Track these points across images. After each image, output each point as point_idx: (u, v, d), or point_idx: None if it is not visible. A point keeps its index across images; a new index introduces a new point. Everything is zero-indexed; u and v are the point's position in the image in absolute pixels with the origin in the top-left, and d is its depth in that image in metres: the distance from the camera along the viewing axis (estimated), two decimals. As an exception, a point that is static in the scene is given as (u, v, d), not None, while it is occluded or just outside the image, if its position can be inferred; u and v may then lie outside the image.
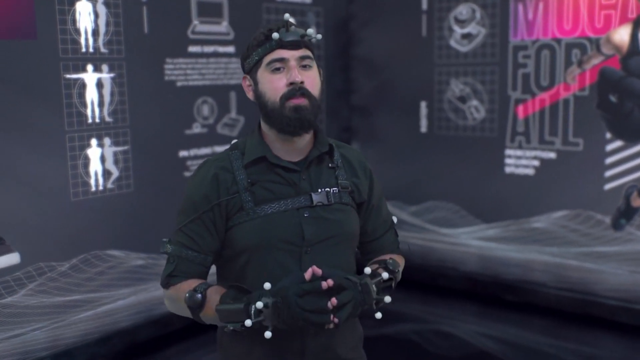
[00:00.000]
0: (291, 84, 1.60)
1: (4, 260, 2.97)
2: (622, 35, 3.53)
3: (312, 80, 1.64)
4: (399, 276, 1.73)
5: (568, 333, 3.83)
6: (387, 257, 1.76)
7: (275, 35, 1.60)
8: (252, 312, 1.46)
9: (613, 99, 3.61)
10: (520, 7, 3.86)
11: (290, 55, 1.61)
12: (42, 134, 3.04)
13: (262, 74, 1.63)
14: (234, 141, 1.77)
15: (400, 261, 1.83)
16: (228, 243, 1.69)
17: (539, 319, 4.00)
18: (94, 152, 3.24)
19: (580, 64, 3.70)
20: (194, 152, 3.71)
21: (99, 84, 3.24)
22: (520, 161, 3.98)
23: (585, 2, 3.63)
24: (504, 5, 3.92)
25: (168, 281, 1.69)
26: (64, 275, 3.17)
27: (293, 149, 1.68)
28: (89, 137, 3.22)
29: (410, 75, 4.36)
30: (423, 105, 4.35)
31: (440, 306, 4.44)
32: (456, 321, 4.19)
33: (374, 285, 1.54)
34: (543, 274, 3.98)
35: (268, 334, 1.46)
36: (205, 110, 3.75)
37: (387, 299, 1.55)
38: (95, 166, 3.26)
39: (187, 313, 1.63)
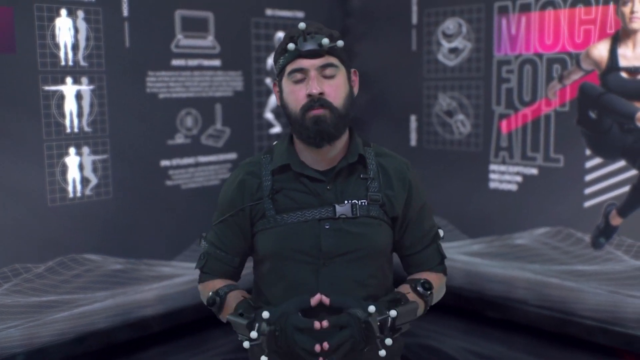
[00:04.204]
0: (309, 95, 1.58)
1: (-20, 260, 3.15)
2: (600, 50, 3.47)
3: (335, 90, 1.59)
4: (432, 298, 1.66)
5: (548, 352, 3.77)
6: (422, 276, 1.70)
7: (291, 46, 1.57)
8: (251, 335, 1.47)
9: (592, 115, 3.54)
10: (504, 22, 3.84)
11: (310, 64, 1.57)
12: (20, 142, 3.21)
13: (286, 83, 1.62)
14: (275, 142, 1.77)
15: (439, 280, 1.75)
16: (254, 248, 1.72)
17: (520, 337, 3.94)
18: (72, 160, 3.40)
19: (560, 79, 3.65)
20: (176, 161, 3.83)
21: (78, 96, 3.40)
22: (504, 176, 3.95)
23: (566, 16, 3.58)
24: (489, 20, 3.90)
25: (200, 276, 1.77)
26: (39, 277, 3.33)
27: (322, 158, 1.65)
28: (67, 146, 3.38)
29: (401, 89, 4.38)
30: (413, 119, 4.36)
31: (428, 320, 4.41)
32: (443, 336, 4.17)
33: (378, 323, 1.47)
34: (525, 292, 3.92)
35: (264, 359, 1.47)
36: (189, 121, 3.88)
37: (388, 341, 1.47)
38: (73, 173, 3.41)
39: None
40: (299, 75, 1.59)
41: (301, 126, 1.60)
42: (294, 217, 1.63)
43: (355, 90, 1.70)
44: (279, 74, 1.65)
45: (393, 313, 1.47)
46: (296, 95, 1.60)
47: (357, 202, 1.64)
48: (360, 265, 1.64)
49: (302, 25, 1.58)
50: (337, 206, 1.62)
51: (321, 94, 1.58)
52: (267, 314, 1.47)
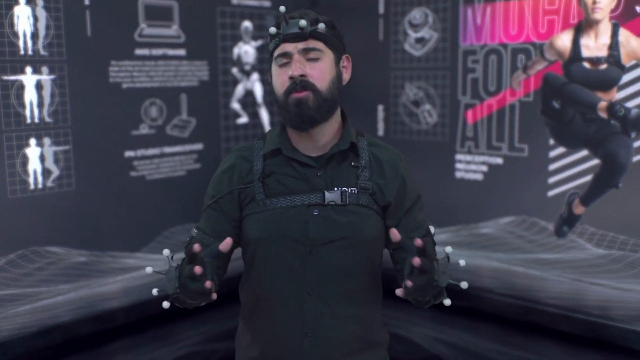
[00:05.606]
0: (290, 77, 1.58)
1: (-62, 254, 3.09)
2: (564, 40, 3.50)
3: (319, 73, 1.58)
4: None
5: (513, 340, 3.81)
6: None
7: (272, 30, 1.59)
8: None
9: (556, 105, 3.57)
10: (470, 12, 3.84)
11: (293, 47, 1.58)
12: (-22, 133, 3.15)
13: (273, 68, 1.63)
14: (269, 130, 1.77)
15: None
16: (242, 232, 1.69)
17: (486, 325, 3.98)
18: (32, 151, 3.34)
19: (525, 69, 3.67)
20: (141, 152, 3.79)
21: (38, 86, 3.34)
22: (470, 166, 3.97)
23: (530, 6, 3.60)
24: (454, 10, 3.91)
25: None
26: (0, 270, 3.28)
27: (314, 144, 1.65)
28: (28, 137, 3.32)
29: (368, 79, 4.37)
30: (380, 108, 4.36)
31: (397, 309, 4.43)
32: (411, 325, 4.19)
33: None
34: (491, 280, 3.96)
35: (165, 304, 1.47)
36: (154, 111, 3.83)
37: (464, 284, 1.43)
38: (34, 165, 3.36)
39: None
40: (284, 60, 1.60)
41: (284, 109, 1.60)
42: (283, 202, 1.62)
43: (346, 76, 1.69)
44: (269, 60, 1.67)
45: (449, 249, 1.45)
46: (281, 79, 1.60)
47: (347, 189, 1.63)
48: (348, 254, 1.63)
49: (282, 8, 1.58)
50: (326, 192, 1.62)
51: (303, 75, 1.57)
52: (167, 251, 1.48)
